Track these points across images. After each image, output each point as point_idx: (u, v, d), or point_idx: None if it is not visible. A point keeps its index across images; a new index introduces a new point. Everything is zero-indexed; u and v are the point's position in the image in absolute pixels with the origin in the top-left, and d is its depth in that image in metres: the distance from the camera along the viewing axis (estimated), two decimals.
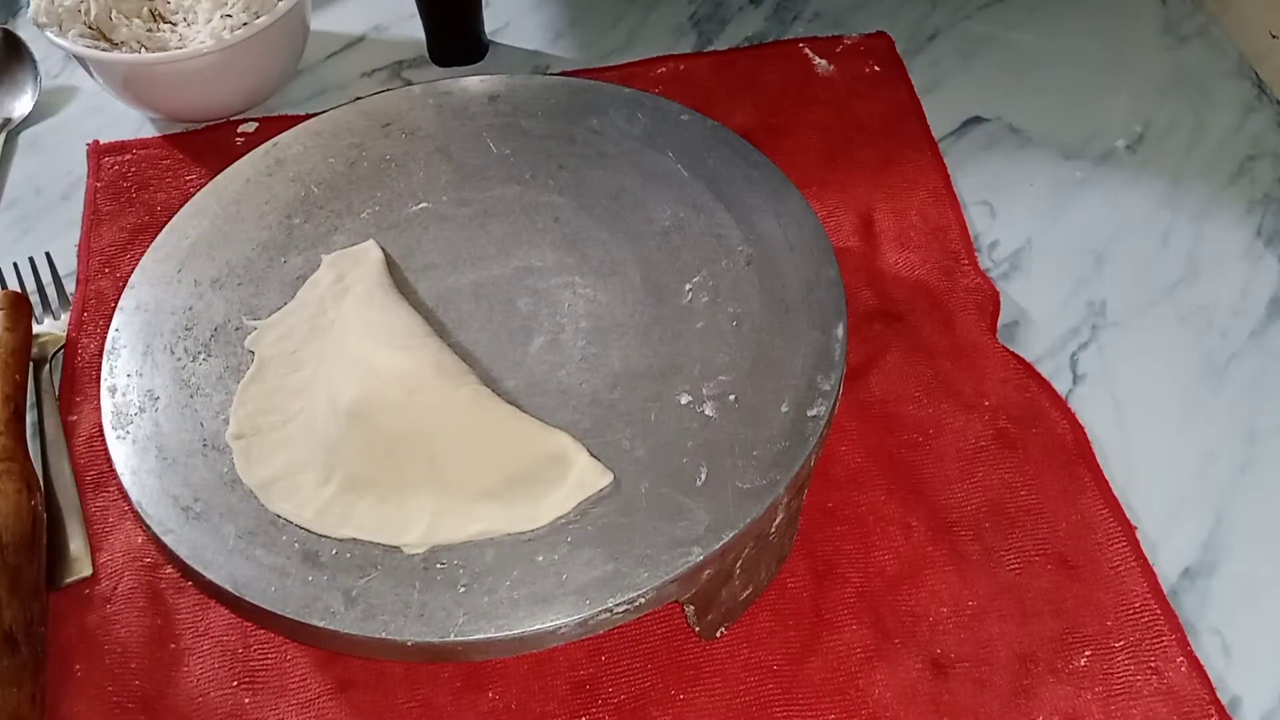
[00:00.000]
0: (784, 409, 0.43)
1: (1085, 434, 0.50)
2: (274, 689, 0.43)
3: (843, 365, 0.44)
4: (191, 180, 0.61)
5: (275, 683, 0.44)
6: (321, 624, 0.38)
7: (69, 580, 0.46)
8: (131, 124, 0.65)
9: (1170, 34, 0.69)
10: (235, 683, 0.44)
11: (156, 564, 0.47)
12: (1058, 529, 0.47)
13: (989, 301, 0.55)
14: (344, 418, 0.42)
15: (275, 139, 0.54)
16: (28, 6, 0.65)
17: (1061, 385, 0.52)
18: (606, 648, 0.44)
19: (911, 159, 0.62)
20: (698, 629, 0.43)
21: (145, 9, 0.63)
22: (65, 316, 0.56)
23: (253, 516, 0.41)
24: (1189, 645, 0.44)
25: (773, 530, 0.42)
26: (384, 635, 0.38)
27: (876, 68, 0.66)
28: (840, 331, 0.45)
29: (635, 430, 0.43)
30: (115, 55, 0.59)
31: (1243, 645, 0.45)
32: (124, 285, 0.49)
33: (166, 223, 0.51)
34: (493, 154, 0.53)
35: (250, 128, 0.64)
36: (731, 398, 0.43)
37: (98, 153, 0.63)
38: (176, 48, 0.61)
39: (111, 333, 0.47)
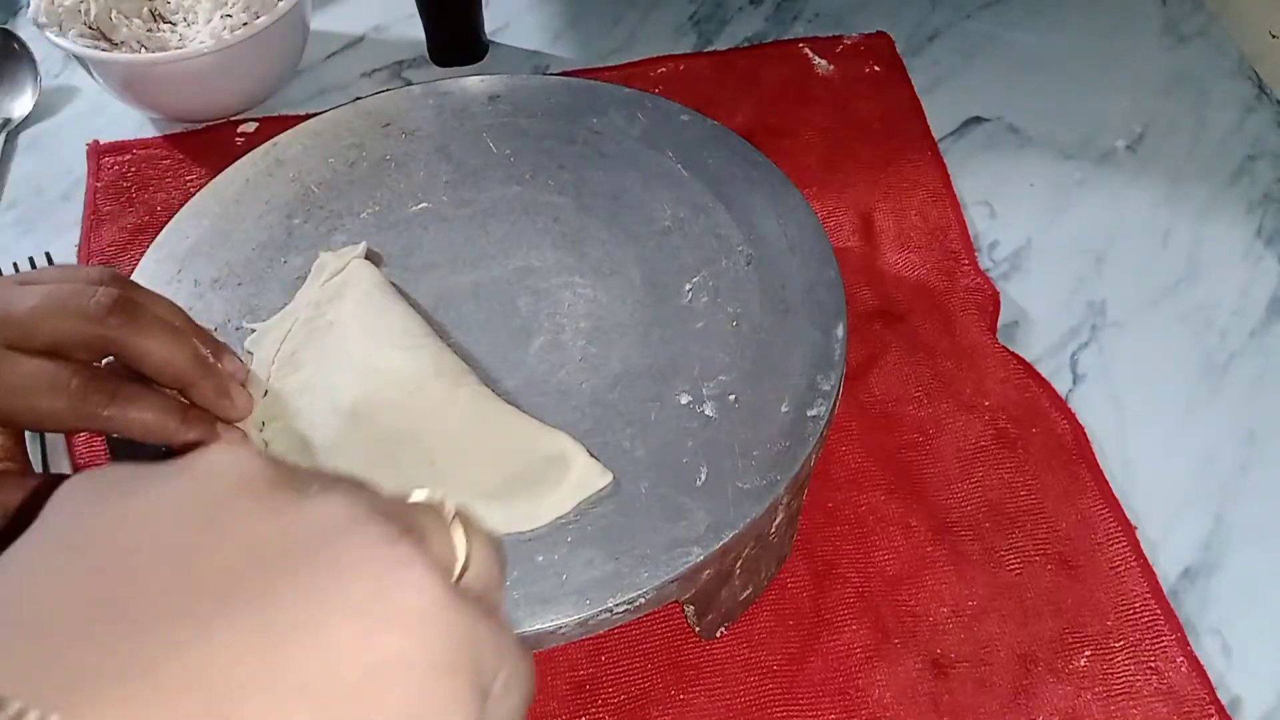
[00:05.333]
0: (784, 409, 0.43)
1: (1085, 434, 0.50)
2: None
3: (843, 365, 0.44)
4: (191, 180, 0.61)
5: None
6: None
7: None
8: (131, 124, 0.65)
9: (1170, 34, 0.69)
10: None
11: None
12: (1058, 529, 0.47)
13: (989, 301, 0.55)
14: (344, 418, 0.42)
15: (275, 139, 0.54)
16: (28, 6, 0.65)
17: (1061, 385, 0.52)
18: (606, 648, 0.44)
19: (911, 159, 0.62)
20: (698, 629, 0.43)
21: (145, 9, 0.63)
22: None
23: None
24: (1189, 645, 0.44)
25: (773, 530, 0.42)
26: None
27: (876, 68, 0.66)
28: (840, 331, 0.45)
29: (635, 430, 0.43)
30: (115, 55, 0.59)
31: (1243, 645, 0.45)
32: None
33: (166, 223, 0.51)
34: (493, 154, 0.53)
35: (250, 128, 0.64)
36: (731, 398, 0.43)
37: (98, 153, 0.63)
38: (176, 48, 0.61)
39: None
